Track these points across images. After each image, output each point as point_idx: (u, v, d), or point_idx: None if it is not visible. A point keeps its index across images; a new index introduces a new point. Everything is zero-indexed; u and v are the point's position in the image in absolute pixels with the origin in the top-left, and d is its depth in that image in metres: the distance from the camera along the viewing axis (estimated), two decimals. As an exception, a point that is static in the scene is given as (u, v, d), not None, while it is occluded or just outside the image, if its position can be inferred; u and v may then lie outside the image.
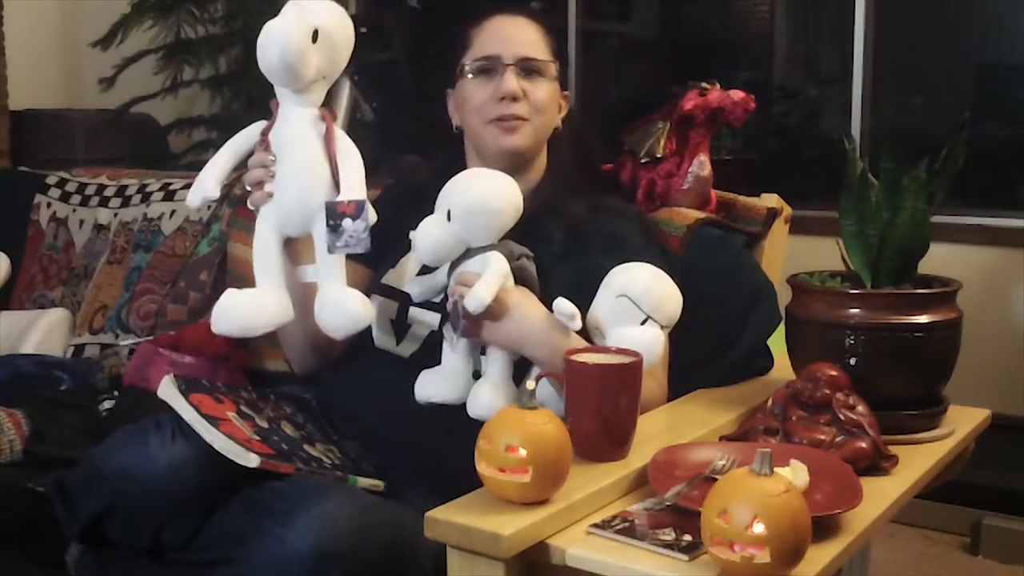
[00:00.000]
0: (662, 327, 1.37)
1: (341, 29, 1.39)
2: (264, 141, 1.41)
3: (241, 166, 1.45)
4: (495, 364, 1.41)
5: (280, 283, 1.42)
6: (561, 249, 1.56)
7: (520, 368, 1.42)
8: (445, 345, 1.44)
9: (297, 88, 1.38)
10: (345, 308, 1.39)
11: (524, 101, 1.58)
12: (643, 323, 1.35)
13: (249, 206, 1.45)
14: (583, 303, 1.39)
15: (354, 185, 1.37)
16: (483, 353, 1.42)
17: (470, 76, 1.60)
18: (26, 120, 3.53)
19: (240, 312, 1.39)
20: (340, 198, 1.36)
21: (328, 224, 1.36)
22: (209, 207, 2.35)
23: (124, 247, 2.44)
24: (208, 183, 1.42)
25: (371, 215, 1.38)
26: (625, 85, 4.48)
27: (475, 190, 1.41)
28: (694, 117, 1.74)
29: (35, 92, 3.66)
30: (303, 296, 1.45)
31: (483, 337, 1.40)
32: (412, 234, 1.44)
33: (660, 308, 1.36)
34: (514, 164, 1.60)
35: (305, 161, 1.38)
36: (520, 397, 1.22)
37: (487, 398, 1.38)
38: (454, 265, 1.43)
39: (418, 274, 1.54)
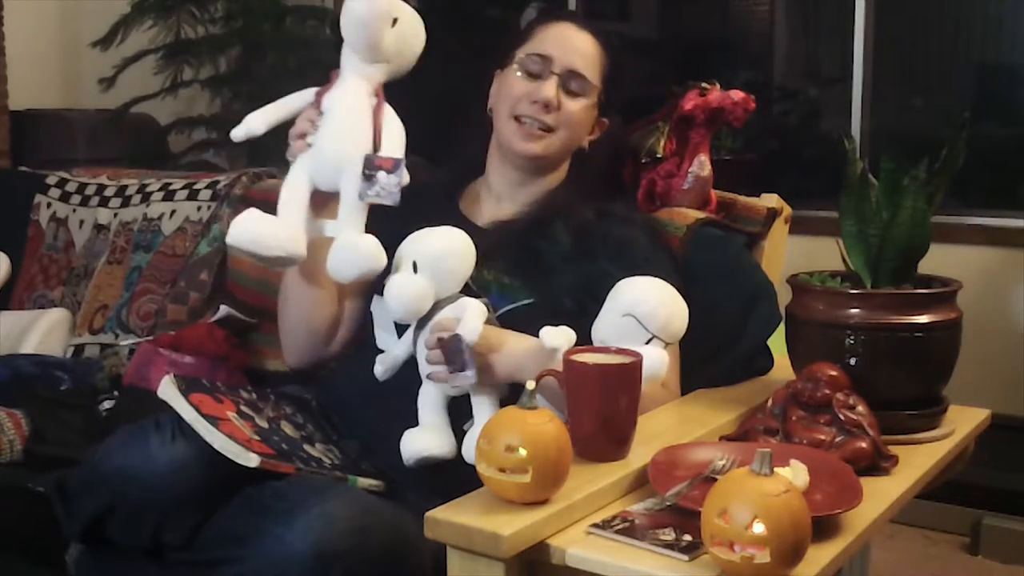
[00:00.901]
0: (666, 344, 1.36)
1: (416, 31, 1.49)
2: (317, 101, 1.48)
3: (288, 123, 1.50)
4: (484, 410, 1.42)
5: (301, 222, 1.46)
6: (568, 252, 1.56)
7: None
8: (421, 404, 1.45)
9: (366, 56, 1.45)
10: (357, 246, 1.42)
11: (556, 113, 1.58)
12: (648, 342, 1.34)
13: (287, 157, 1.49)
14: (588, 307, 1.39)
15: (394, 146, 1.45)
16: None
17: (517, 67, 1.61)
18: (26, 120, 3.53)
19: (256, 226, 1.43)
20: (380, 153, 1.43)
21: (364, 173, 1.41)
22: (210, 207, 2.36)
23: (124, 247, 2.44)
24: (255, 122, 1.48)
25: (405, 176, 1.42)
26: (626, 86, 4.48)
27: (436, 237, 1.45)
28: (694, 117, 1.74)
29: (35, 92, 3.66)
30: (314, 260, 1.47)
31: (483, 377, 1.40)
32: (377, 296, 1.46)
33: (666, 328, 1.34)
34: (528, 167, 1.63)
35: (351, 121, 1.45)
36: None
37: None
38: (419, 328, 1.45)
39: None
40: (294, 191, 1.46)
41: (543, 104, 1.57)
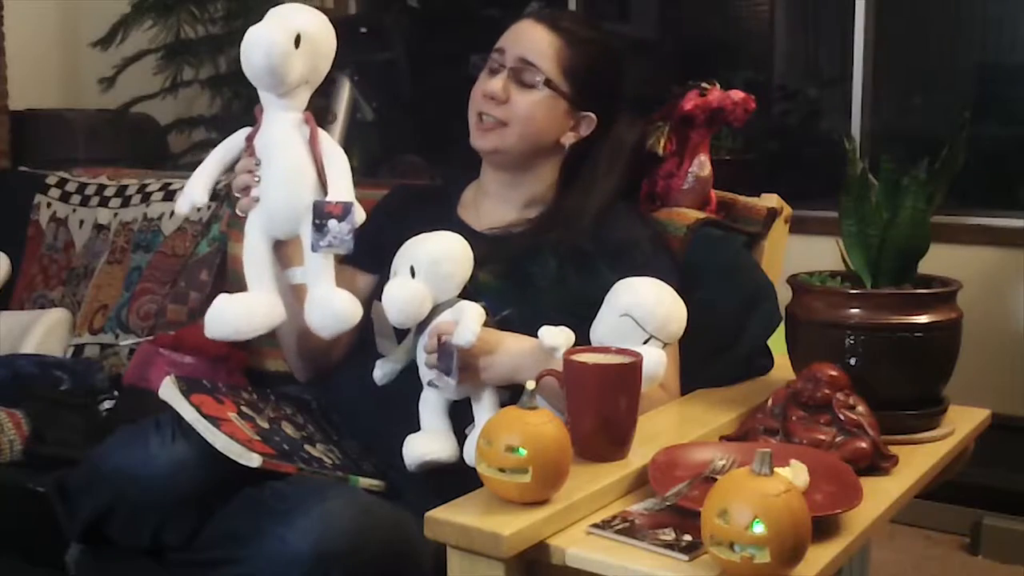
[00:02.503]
0: (664, 345, 1.36)
1: (323, 34, 1.39)
2: (249, 147, 1.41)
3: (228, 173, 1.45)
4: (485, 413, 1.42)
5: (271, 286, 1.42)
6: (567, 255, 1.55)
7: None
8: (423, 408, 1.45)
9: (280, 92, 1.38)
10: (332, 306, 1.37)
11: (504, 106, 1.58)
12: (645, 342, 1.34)
13: (238, 212, 1.45)
14: (586, 312, 1.39)
15: (341, 187, 1.37)
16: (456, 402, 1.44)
17: (482, 66, 1.61)
18: (26, 120, 3.52)
19: (229, 317, 1.38)
20: (328, 199, 1.37)
21: (314, 223, 1.36)
22: (209, 207, 2.36)
23: (124, 247, 2.44)
24: (196, 190, 1.42)
25: (358, 217, 1.37)
26: (625, 85, 4.47)
27: (434, 242, 1.44)
28: (694, 117, 1.74)
29: (35, 92, 3.66)
30: (295, 301, 1.45)
31: (481, 378, 1.41)
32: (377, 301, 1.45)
33: (664, 328, 1.35)
34: (501, 167, 1.62)
35: (290, 165, 1.38)
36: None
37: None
38: (418, 332, 1.45)
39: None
40: (253, 255, 1.41)
41: (490, 97, 1.57)
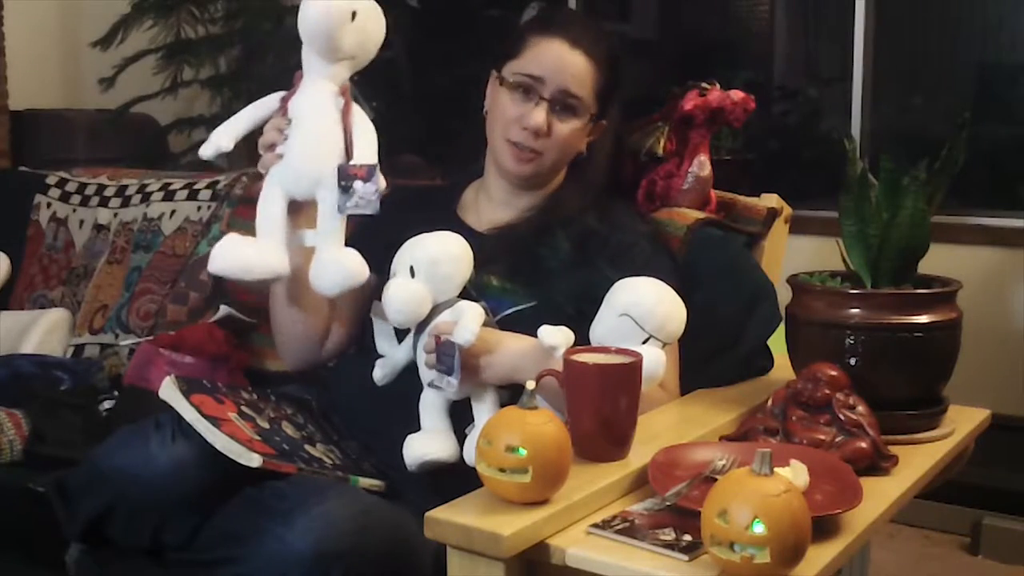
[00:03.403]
0: (664, 344, 1.36)
1: (376, 20, 1.44)
2: (283, 107, 1.45)
3: (257, 130, 1.47)
4: (485, 413, 1.42)
5: (281, 240, 1.44)
6: (568, 256, 1.56)
7: None
8: (423, 409, 1.45)
9: (328, 57, 1.42)
10: (341, 262, 1.40)
11: (546, 138, 1.57)
12: (645, 342, 1.34)
13: (259, 169, 1.47)
14: (587, 311, 1.39)
15: (366, 152, 1.41)
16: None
17: (509, 86, 1.58)
18: (26, 120, 3.53)
19: (239, 252, 1.41)
20: (352, 162, 1.40)
21: (340, 185, 1.39)
22: (209, 207, 2.36)
23: (124, 247, 2.44)
24: (223, 138, 1.45)
25: (381, 181, 1.40)
26: (625, 85, 4.47)
27: (433, 242, 1.45)
28: (694, 117, 1.74)
29: (35, 92, 3.66)
30: (303, 263, 1.45)
31: (480, 377, 1.41)
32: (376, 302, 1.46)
33: (663, 328, 1.34)
34: (524, 184, 1.63)
35: (319, 129, 1.42)
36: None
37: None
38: (418, 333, 1.45)
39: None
40: (270, 206, 1.43)
41: (533, 131, 1.56)
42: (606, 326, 1.36)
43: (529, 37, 1.60)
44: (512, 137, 1.58)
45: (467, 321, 1.37)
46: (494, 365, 1.41)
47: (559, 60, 1.57)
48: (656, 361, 1.32)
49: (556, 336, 1.34)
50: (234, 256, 1.41)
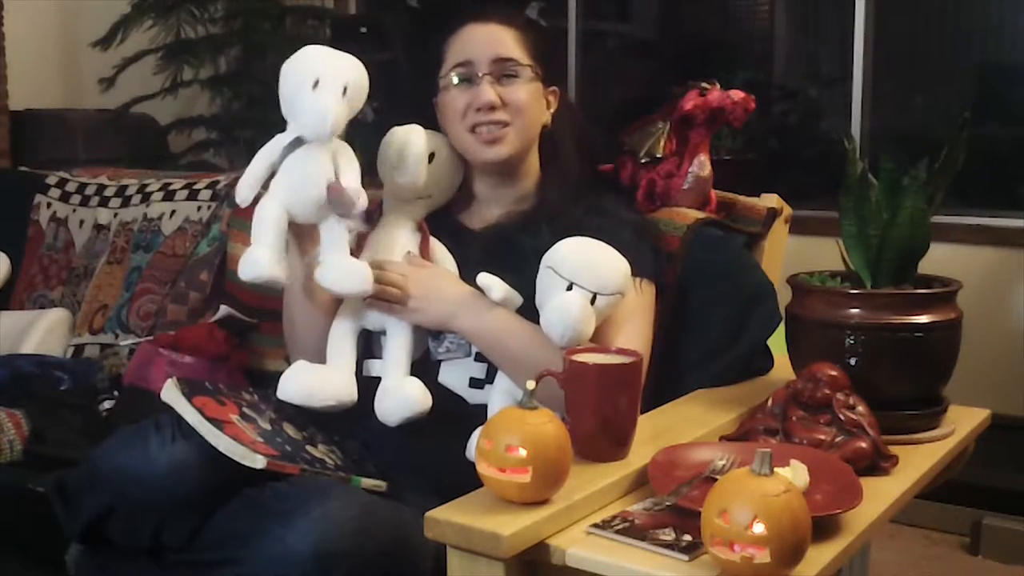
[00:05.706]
0: (597, 294, 1.37)
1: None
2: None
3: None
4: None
5: (351, 363, 1.52)
6: (560, 228, 1.55)
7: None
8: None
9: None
10: (403, 390, 1.47)
11: (502, 108, 1.58)
12: (568, 289, 1.37)
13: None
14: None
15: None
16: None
17: (451, 83, 1.61)
18: (26, 120, 3.53)
19: (307, 378, 1.50)
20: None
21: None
22: (209, 207, 2.36)
23: (124, 247, 2.44)
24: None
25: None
26: (625, 85, 4.48)
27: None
28: (694, 117, 1.74)
29: (35, 92, 3.66)
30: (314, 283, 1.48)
31: (412, 319, 1.47)
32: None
33: (580, 272, 1.37)
34: (502, 171, 1.62)
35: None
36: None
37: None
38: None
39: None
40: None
41: (487, 108, 1.57)
42: (539, 286, 1.41)
43: (446, 40, 1.65)
44: (471, 123, 1.59)
45: (346, 177, 1.43)
46: (428, 309, 1.46)
47: (478, 36, 1.61)
48: (568, 304, 1.35)
49: (490, 278, 1.42)
50: (304, 382, 1.50)
